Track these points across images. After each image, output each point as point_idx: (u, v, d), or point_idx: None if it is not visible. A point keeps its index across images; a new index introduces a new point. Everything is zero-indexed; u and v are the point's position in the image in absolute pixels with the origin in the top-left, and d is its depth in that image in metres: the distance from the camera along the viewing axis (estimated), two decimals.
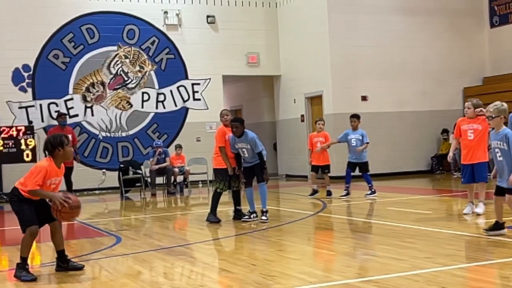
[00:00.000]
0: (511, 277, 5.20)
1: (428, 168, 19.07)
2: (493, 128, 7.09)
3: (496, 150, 6.94)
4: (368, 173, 12.92)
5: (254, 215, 9.67)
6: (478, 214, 8.94)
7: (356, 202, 12.12)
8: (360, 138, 12.80)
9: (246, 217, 9.66)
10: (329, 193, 12.83)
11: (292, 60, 19.86)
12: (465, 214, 9.14)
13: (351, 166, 12.85)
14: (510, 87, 18.01)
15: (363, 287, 5.07)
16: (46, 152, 6.11)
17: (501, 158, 6.87)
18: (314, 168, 13.44)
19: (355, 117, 13.11)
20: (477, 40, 19.89)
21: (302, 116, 19.68)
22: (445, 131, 18.81)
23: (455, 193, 11.30)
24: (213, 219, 9.71)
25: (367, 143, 12.84)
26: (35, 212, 6.00)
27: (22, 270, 5.92)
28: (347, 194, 12.63)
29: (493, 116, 6.91)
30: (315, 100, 19.22)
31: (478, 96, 18.76)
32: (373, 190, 12.58)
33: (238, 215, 9.91)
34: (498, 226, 7.09)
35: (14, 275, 5.92)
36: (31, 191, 5.87)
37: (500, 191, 6.94)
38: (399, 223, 8.79)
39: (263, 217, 9.52)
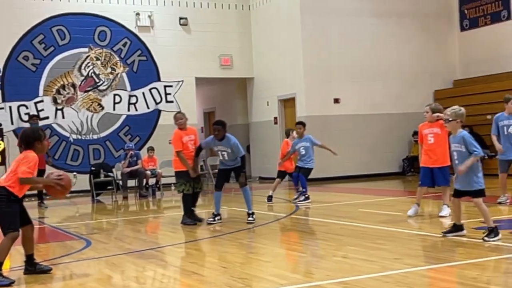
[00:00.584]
0: (478, 277, 5.26)
1: (400, 170, 19.23)
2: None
3: (454, 153, 7.05)
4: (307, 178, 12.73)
5: (219, 217, 9.71)
6: (442, 217, 8.98)
7: (328, 205, 12.16)
8: (308, 144, 12.45)
9: (211, 219, 9.65)
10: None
11: (265, 62, 19.88)
12: (409, 216, 9.18)
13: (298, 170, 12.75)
14: (479, 89, 18.29)
15: None
16: (23, 146, 6.01)
17: (457, 162, 6.99)
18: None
19: (300, 124, 12.78)
20: (447, 43, 20.12)
21: (275, 118, 19.71)
22: (416, 133, 18.92)
23: (425, 194, 11.38)
24: (187, 221, 9.71)
25: (320, 144, 12.67)
26: None
27: None
28: (306, 198, 12.41)
29: (450, 119, 7.00)
30: (288, 103, 19.27)
31: (448, 99, 19.12)
32: (306, 196, 12.38)
33: (192, 215, 9.91)
34: (456, 228, 7.18)
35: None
36: (25, 179, 5.82)
37: (458, 194, 7.05)
38: (369, 225, 8.83)
39: (250, 218, 9.56)
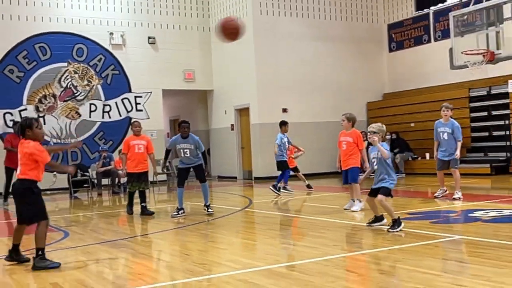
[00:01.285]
0: (403, 260, 5.36)
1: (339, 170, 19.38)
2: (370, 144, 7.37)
3: (374, 160, 7.20)
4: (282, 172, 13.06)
5: (182, 211, 9.69)
6: (354, 211, 9.01)
7: (278, 199, 12.21)
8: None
9: (175, 213, 9.63)
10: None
11: (224, 77, 19.88)
12: (345, 209, 9.25)
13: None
14: (405, 102, 18.70)
15: (281, 272, 5.13)
16: (20, 136, 5.93)
17: (376, 167, 7.14)
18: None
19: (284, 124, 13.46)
20: (378, 62, 20.47)
21: (232, 125, 19.73)
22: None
23: (362, 190, 11.66)
24: (128, 211, 10.28)
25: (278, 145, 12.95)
26: None
27: (45, 260, 5.68)
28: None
29: (375, 131, 7.09)
30: (243, 112, 19.30)
31: (379, 109, 19.47)
32: (277, 188, 12.76)
33: (143, 211, 10.12)
34: (377, 219, 7.29)
35: (36, 267, 5.63)
36: (49, 163, 5.86)
37: (373, 193, 7.12)
38: (313, 216, 8.92)
39: (210, 210, 9.63)
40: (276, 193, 12.57)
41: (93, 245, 7.22)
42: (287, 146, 13.06)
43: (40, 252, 5.69)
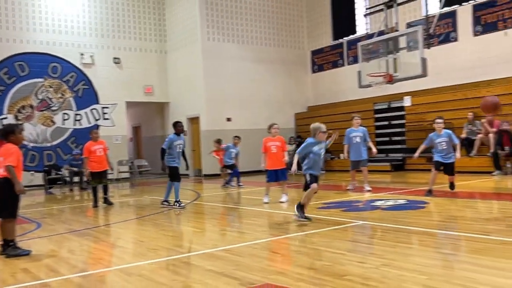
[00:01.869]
0: (318, 242, 5.46)
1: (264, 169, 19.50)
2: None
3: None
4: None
5: (166, 203, 9.53)
6: (282, 202, 9.04)
7: (222, 193, 12.17)
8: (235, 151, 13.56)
9: (174, 206, 9.32)
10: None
11: (178, 91, 19.66)
12: (265, 202, 9.17)
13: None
14: (325, 113, 18.95)
15: (218, 255, 5.11)
16: (2, 139, 5.62)
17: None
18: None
19: (236, 137, 14.00)
20: (303, 81, 20.76)
21: (185, 131, 19.47)
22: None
23: (289, 185, 11.76)
24: (94, 204, 10.14)
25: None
26: None
27: (16, 248, 5.45)
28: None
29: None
30: (194, 120, 19.14)
31: (304, 119, 19.69)
32: (226, 182, 13.18)
33: (106, 201, 10.29)
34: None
35: (9, 255, 5.40)
36: (10, 167, 5.30)
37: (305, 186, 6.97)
38: (249, 207, 8.94)
39: (182, 205, 9.36)
40: (235, 186, 13.02)
41: (62, 234, 6.99)
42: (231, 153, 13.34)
43: (11, 243, 5.46)
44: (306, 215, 6.77)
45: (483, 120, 13.02)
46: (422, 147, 9.26)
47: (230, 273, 4.29)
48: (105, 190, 10.36)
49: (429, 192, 8.85)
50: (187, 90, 19.03)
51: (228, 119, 18.61)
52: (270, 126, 9.51)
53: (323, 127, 6.83)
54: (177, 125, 9.63)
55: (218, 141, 14.26)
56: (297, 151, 6.96)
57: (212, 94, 18.27)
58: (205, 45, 18.27)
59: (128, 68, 19.07)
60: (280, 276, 4.14)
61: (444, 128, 9.02)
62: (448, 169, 8.92)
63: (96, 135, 10.24)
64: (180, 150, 9.56)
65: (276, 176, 9.27)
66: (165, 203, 9.56)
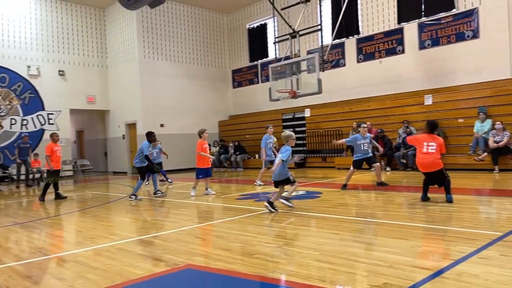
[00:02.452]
0: (233, 227, 5.40)
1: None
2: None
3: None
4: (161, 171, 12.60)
5: (138, 197, 9.04)
6: (213, 194, 8.98)
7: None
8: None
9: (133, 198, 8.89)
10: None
11: (118, 100, 18.76)
12: (192, 196, 9.07)
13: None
14: (243, 121, 19.08)
15: (148, 241, 4.89)
16: None
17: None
18: None
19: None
20: (226, 94, 20.72)
21: (123, 135, 18.69)
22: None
23: (212, 180, 11.61)
24: (42, 199, 9.46)
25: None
26: None
27: None
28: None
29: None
30: (131, 126, 18.37)
31: (227, 125, 19.65)
32: (167, 180, 12.57)
33: (58, 196, 9.68)
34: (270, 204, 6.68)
35: None
36: None
37: (276, 184, 6.69)
38: (178, 200, 8.71)
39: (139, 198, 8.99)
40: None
41: (6, 226, 6.33)
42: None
43: None
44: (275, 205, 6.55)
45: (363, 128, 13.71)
46: (343, 141, 9.36)
47: (158, 256, 4.10)
48: (57, 187, 9.80)
49: (344, 186, 8.74)
50: (126, 100, 18.22)
51: (162, 125, 18.08)
52: (203, 132, 9.39)
53: (293, 135, 6.66)
54: (151, 135, 9.40)
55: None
56: (281, 156, 6.38)
57: (148, 103, 17.65)
58: (142, 62, 17.62)
59: (72, 80, 17.88)
60: (201, 258, 4.03)
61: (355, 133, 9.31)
62: (371, 159, 8.90)
63: (57, 138, 9.74)
64: (154, 157, 10.14)
65: (206, 173, 9.13)
66: (158, 192, 9.49)
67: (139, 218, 6.94)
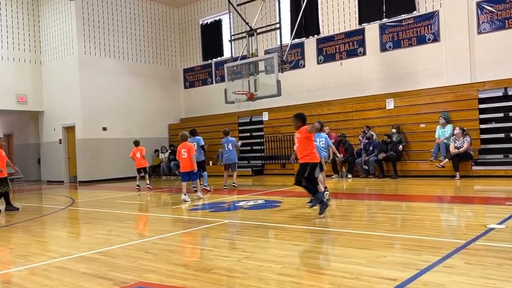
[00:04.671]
0: (188, 240, 5.35)
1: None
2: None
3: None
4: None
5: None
6: (186, 201, 9.19)
7: (96, 199, 11.38)
8: None
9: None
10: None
11: (53, 100, 18.04)
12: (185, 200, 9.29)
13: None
14: (196, 124, 18.81)
15: (92, 257, 4.75)
16: None
17: None
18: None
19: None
20: (177, 95, 20.53)
21: (60, 140, 17.98)
22: (156, 150, 18.92)
23: (163, 189, 11.40)
24: (11, 208, 9.31)
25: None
26: None
27: None
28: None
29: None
30: (69, 129, 17.72)
31: (177, 130, 19.41)
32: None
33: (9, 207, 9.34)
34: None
35: None
36: None
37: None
38: (123, 211, 8.50)
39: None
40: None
41: None
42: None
43: None
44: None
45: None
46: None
47: (103, 274, 4.00)
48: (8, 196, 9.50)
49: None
50: (62, 100, 17.55)
51: (104, 129, 17.59)
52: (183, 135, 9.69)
53: None
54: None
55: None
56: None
57: (88, 104, 17.11)
58: (82, 58, 17.08)
59: (2, 77, 16.98)
60: (152, 274, 3.97)
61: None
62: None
63: (4, 143, 9.62)
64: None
65: (188, 177, 9.45)
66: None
67: (80, 233, 6.71)
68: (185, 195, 9.35)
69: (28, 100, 17.90)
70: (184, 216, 7.03)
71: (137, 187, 12.70)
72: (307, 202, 7.51)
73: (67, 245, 5.80)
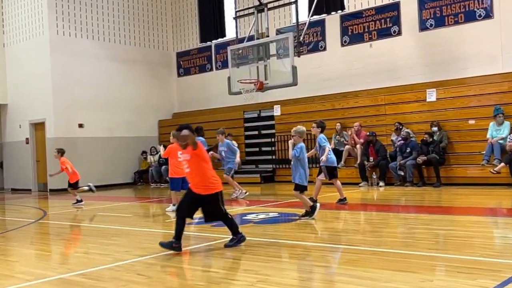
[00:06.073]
0: (188, 260, 5.40)
1: (132, 180, 19.01)
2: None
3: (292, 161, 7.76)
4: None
5: None
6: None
7: (71, 210, 11.45)
8: None
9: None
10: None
11: (19, 91, 18.18)
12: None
13: None
14: (192, 120, 18.63)
15: (74, 280, 4.81)
16: None
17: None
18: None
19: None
20: (168, 85, 20.61)
21: (27, 139, 18.13)
22: (144, 152, 19.02)
23: (152, 199, 11.45)
24: None
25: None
26: None
27: None
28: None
29: (293, 135, 7.71)
30: (38, 126, 17.85)
31: (169, 127, 19.49)
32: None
33: None
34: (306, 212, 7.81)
35: None
36: None
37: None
38: (106, 225, 8.57)
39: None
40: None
41: None
42: None
43: None
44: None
45: (350, 131, 14.13)
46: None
47: None
48: None
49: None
50: (30, 91, 17.69)
51: (80, 125, 17.71)
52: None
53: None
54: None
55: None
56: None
57: (62, 95, 17.23)
58: (53, 38, 17.21)
59: None
60: None
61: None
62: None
63: None
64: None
65: (181, 184, 9.45)
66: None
67: (55, 251, 6.78)
68: (174, 205, 9.41)
69: None
70: (188, 233, 7.09)
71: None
72: (301, 216, 7.88)
73: (42, 265, 5.84)
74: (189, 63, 20.25)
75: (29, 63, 17.78)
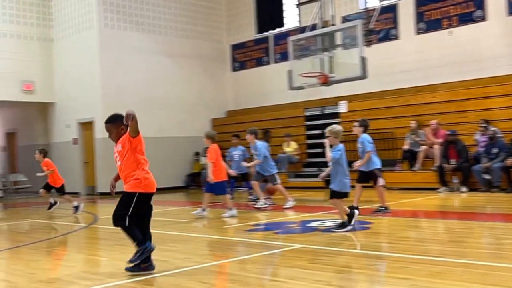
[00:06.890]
0: (252, 269, 5.53)
1: (183, 184, 19.44)
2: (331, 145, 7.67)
3: (329, 163, 7.67)
4: None
5: None
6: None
7: None
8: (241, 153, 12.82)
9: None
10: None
11: (67, 89, 19.00)
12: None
13: None
14: (248, 119, 19.17)
15: (133, 287, 5.02)
16: None
17: (330, 167, 7.64)
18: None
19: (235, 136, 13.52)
20: (222, 81, 20.94)
21: (75, 139, 18.92)
22: (197, 154, 19.39)
23: (212, 205, 11.68)
24: None
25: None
26: None
27: None
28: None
29: (328, 135, 7.59)
30: (86, 126, 18.59)
31: (223, 126, 19.82)
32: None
33: None
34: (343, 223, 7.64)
35: None
36: None
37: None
38: (162, 231, 8.82)
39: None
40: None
41: None
42: None
43: None
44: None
45: (427, 130, 13.90)
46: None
47: None
48: None
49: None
50: (78, 89, 18.45)
51: None
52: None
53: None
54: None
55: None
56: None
57: (111, 93, 17.86)
58: (103, 33, 17.89)
59: (1, 59, 18.14)
60: None
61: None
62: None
63: None
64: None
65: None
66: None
67: (110, 256, 7.06)
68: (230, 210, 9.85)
69: (35, 88, 18.96)
70: (242, 239, 7.22)
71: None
72: (334, 228, 7.67)
73: (99, 271, 6.14)
74: (245, 56, 20.48)
75: (77, 60, 18.52)
